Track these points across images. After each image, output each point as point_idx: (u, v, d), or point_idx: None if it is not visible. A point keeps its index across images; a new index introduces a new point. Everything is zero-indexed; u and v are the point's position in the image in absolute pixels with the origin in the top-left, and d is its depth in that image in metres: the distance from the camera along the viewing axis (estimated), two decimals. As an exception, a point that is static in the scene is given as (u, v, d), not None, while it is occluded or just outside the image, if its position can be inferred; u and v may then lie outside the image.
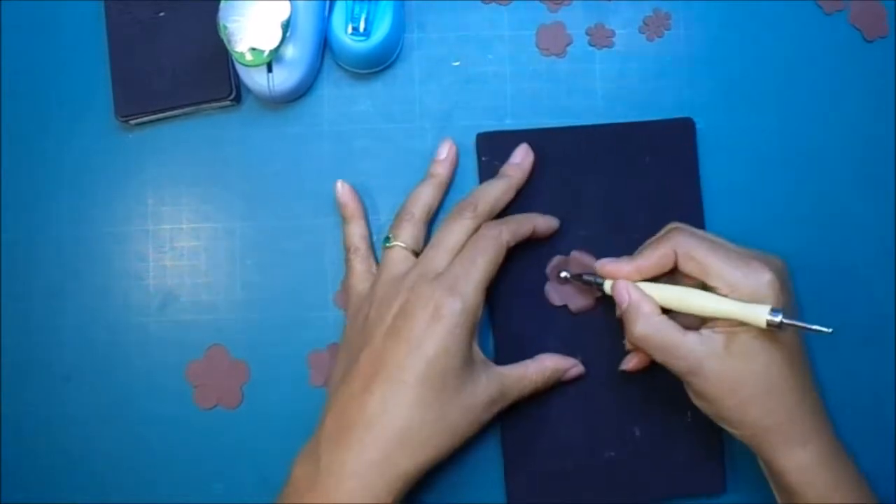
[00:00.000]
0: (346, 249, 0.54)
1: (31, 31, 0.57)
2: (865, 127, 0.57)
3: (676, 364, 0.47)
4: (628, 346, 0.50)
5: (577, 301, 0.54)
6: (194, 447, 0.55)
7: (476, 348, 0.49)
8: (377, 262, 0.54)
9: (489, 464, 0.54)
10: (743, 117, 0.56)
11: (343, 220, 0.54)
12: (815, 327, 0.43)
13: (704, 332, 0.46)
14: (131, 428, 0.55)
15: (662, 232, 0.50)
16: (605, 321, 0.54)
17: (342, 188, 0.54)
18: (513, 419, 0.53)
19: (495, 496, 0.54)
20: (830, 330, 0.43)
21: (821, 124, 0.57)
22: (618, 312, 0.49)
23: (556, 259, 0.54)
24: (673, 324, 0.47)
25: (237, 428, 0.55)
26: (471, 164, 0.56)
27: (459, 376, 0.47)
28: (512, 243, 0.51)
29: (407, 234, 0.51)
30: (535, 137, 0.55)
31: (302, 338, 0.55)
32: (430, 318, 0.46)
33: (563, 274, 0.53)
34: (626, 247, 0.52)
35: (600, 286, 0.50)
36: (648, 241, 0.50)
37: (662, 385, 0.51)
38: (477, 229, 0.50)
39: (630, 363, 0.51)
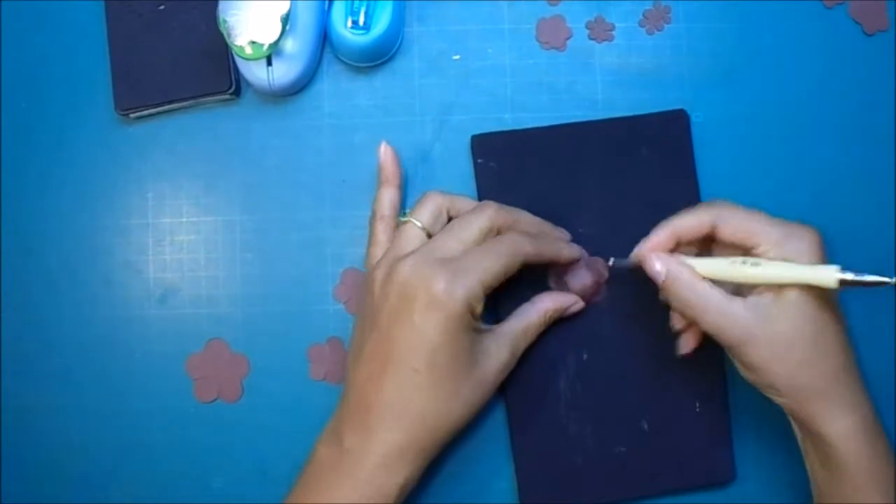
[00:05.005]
0: (373, 214, 0.53)
1: (31, 25, 0.57)
2: (865, 120, 0.56)
3: (727, 334, 0.45)
4: (676, 324, 0.49)
5: (578, 285, 0.53)
6: (194, 440, 0.55)
7: (480, 325, 0.49)
8: None
9: (500, 461, 0.54)
10: (743, 111, 0.56)
11: (378, 182, 0.53)
12: (886, 279, 0.43)
13: (752, 298, 0.45)
14: (131, 421, 0.55)
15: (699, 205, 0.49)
16: (609, 315, 0.54)
17: (385, 150, 0.53)
18: (522, 417, 0.53)
19: (507, 493, 0.54)
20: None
21: (821, 118, 0.57)
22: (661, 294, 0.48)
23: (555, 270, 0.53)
24: (718, 290, 0.46)
25: (237, 421, 0.55)
26: (467, 165, 0.55)
27: (470, 354, 0.47)
28: (532, 258, 0.49)
29: (426, 215, 0.50)
30: (528, 137, 0.55)
31: (302, 331, 0.55)
32: (430, 304, 0.46)
33: (612, 261, 0.51)
34: (625, 242, 0.52)
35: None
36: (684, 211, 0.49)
37: (669, 378, 0.51)
38: (493, 232, 0.49)
39: (687, 345, 0.50)
